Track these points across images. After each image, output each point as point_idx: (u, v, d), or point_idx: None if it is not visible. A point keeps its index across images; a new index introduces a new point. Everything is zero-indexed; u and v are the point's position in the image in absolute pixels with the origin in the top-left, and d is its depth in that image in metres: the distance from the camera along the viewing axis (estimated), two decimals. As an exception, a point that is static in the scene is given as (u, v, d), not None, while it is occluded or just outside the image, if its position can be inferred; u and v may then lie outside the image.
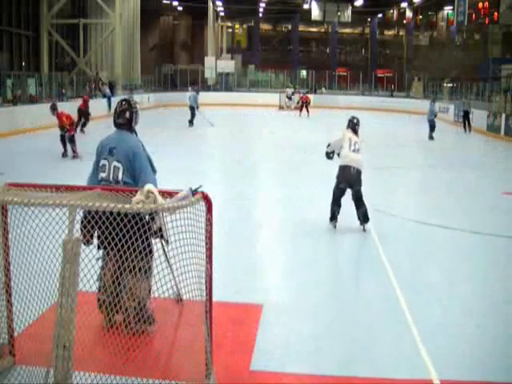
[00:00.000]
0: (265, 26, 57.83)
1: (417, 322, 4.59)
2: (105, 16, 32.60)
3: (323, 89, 41.78)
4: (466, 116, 22.23)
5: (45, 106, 21.25)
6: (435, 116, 19.13)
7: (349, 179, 7.26)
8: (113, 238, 3.20)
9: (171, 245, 3.19)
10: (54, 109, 13.39)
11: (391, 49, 57.20)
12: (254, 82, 44.71)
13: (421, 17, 52.79)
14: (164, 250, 4.10)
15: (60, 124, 13.26)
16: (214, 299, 3.50)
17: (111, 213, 3.13)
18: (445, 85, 36.38)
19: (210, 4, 43.58)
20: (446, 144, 19.81)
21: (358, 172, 7.28)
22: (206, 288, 3.37)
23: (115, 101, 27.35)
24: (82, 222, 3.54)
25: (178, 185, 3.72)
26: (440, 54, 42.28)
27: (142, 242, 3.36)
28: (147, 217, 3.71)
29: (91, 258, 3.30)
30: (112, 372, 3.39)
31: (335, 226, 7.48)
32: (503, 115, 20.97)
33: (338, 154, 7.51)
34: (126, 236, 3.19)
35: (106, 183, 4.14)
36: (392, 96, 39.66)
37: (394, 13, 53.95)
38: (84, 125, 18.57)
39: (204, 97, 37.17)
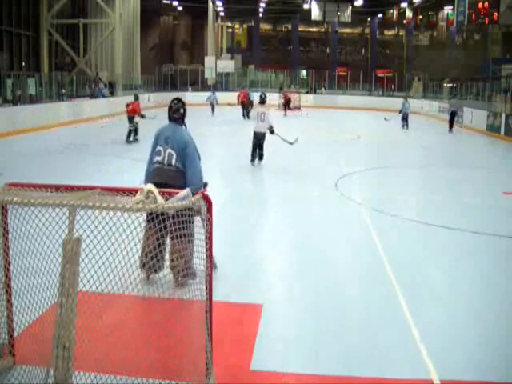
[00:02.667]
0: (265, 26, 57.82)
1: (417, 321, 4.59)
2: (105, 16, 32.57)
3: (323, 89, 41.79)
4: (453, 116, 23.09)
5: (45, 106, 21.36)
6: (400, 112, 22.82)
7: (258, 138, 12.54)
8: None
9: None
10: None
11: (391, 49, 57.20)
12: (253, 82, 44.72)
13: (421, 17, 52.79)
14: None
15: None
16: (214, 299, 3.50)
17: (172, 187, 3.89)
18: (445, 85, 36.37)
19: (210, 4, 43.56)
20: (446, 144, 19.82)
21: (262, 133, 12.48)
22: (206, 288, 3.37)
23: (111, 100, 27.48)
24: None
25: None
26: (440, 54, 42.30)
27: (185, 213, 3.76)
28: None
29: (91, 258, 3.30)
30: (112, 372, 3.39)
31: (254, 165, 12.62)
32: (503, 115, 20.97)
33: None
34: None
35: (159, 165, 5.01)
36: (392, 96, 39.66)
37: (393, 13, 53.95)
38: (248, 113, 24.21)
39: (203, 96, 37.23)
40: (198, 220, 3.39)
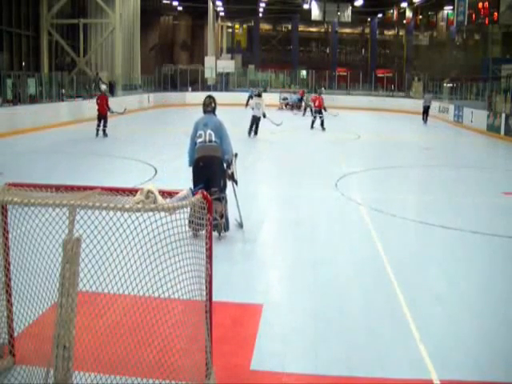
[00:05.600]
0: (265, 26, 57.80)
1: (417, 321, 4.59)
2: (105, 16, 32.55)
3: (323, 89, 41.71)
4: (426, 111, 26.73)
5: (45, 106, 21.36)
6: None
7: (255, 119, 18.25)
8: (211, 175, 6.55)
9: (172, 244, 3.20)
10: None
11: (391, 49, 57.15)
12: (254, 82, 44.67)
13: (421, 17, 52.74)
14: (234, 188, 7.09)
15: None
16: (214, 299, 3.50)
17: (212, 162, 6.54)
18: (445, 85, 36.33)
19: (210, 4, 43.53)
20: (446, 144, 19.83)
21: (258, 117, 18.11)
22: (206, 288, 3.37)
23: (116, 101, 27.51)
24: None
25: (181, 184, 3.72)
26: (440, 54, 42.25)
27: (223, 182, 6.71)
28: (225, 165, 6.74)
29: (91, 258, 3.30)
30: (112, 372, 3.39)
31: (250, 137, 18.13)
32: (503, 115, 20.96)
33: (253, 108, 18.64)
34: (220, 175, 6.64)
35: (203, 144, 6.61)
36: (392, 96, 39.62)
37: (393, 13, 53.88)
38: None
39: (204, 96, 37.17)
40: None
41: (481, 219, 8.42)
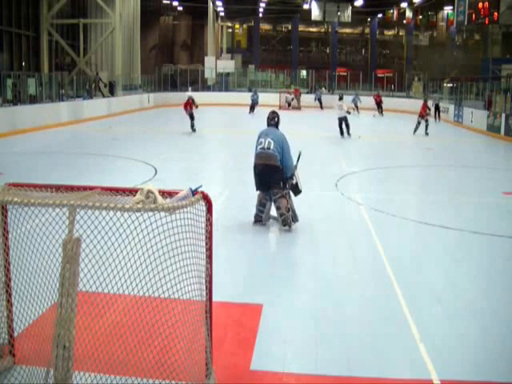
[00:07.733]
0: (265, 26, 57.79)
1: (417, 321, 4.60)
2: (105, 16, 32.55)
3: (323, 89, 41.73)
4: (437, 108, 28.42)
5: (45, 106, 21.36)
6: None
7: (340, 120, 19.52)
8: (268, 181, 7.35)
9: (172, 244, 3.20)
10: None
11: (391, 49, 57.16)
12: (254, 82, 44.66)
13: (421, 17, 52.76)
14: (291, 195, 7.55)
15: None
16: (214, 299, 3.50)
17: (264, 170, 7.28)
18: (445, 85, 36.34)
19: (210, 4, 43.54)
20: (446, 144, 19.82)
21: (344, 117, 19.49)
22: (206, 288, 3.37)
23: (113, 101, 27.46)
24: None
25: (181, 184, 3.71)
26: (440, 54, 42.27)
27: (282, 183, 7.34)
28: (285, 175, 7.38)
29: (91, 258, 3.30)
30: (112, 372, 3.39)
31: (343, 137, 19.54)
32: (503, 115, 20.96)
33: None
34: (278, 179, 7.31)
35: (262, 150, 7.35)
36: (392, 96, 39.60)
37: (393, 13, 53.86)
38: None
39: (204, 96, 37.24)
40: (192, 225, 3.36)
41: (481, 219, 8.42)
